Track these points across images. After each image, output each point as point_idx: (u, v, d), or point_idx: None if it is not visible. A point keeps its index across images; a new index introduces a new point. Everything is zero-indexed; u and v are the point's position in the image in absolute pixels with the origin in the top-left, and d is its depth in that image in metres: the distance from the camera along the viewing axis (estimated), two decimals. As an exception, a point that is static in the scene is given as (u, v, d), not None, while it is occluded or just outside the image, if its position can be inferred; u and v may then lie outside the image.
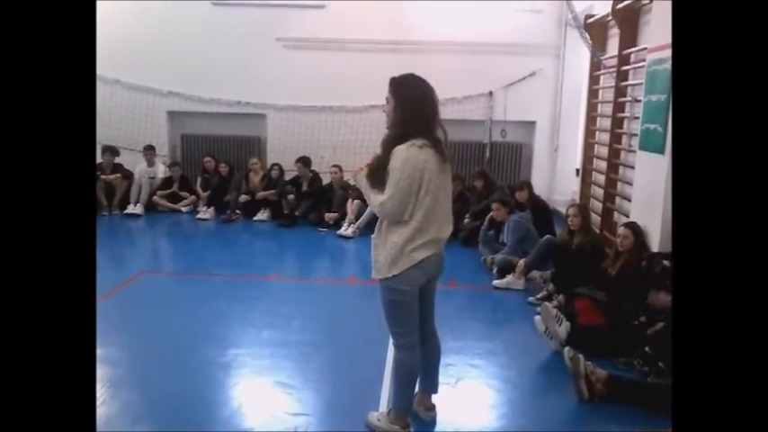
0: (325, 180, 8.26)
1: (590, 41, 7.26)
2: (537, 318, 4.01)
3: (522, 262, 5.19)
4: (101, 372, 3.52)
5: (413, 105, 2.59)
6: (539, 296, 4.80)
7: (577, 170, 8.47)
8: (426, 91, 2.64)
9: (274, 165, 8.39)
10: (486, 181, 7.37)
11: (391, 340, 2.85)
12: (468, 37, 8.45)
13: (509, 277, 5.25)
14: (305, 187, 8.16)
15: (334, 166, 8.11)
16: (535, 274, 5.25)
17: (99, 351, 3.73)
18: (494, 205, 6.11)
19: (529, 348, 4.01)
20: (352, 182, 8.08)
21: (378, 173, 2.61)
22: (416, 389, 3.05)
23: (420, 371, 2.93)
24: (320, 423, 3.04)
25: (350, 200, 7.55)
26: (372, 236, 2.75)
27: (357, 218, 7.31)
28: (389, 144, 2.59)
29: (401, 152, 2.52)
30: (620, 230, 4.55)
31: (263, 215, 8.08)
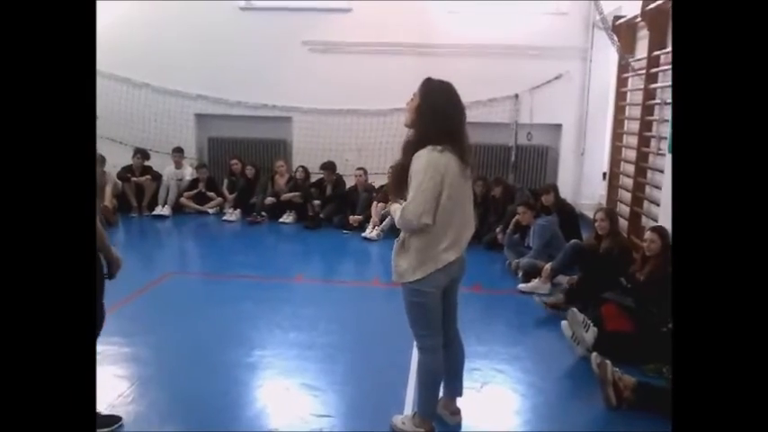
0: (349, 183, 8.30)
1: (618, 43, 7.17)
2: (564, 323, 3.97)
3: (547, 266, 5.15)
4: (130, 370, 3.60)
5: (436, 112, 2.58)
6: (547, 300, 4.77)
7: (604, 174, 8.36)
8: (454, 101, 2.64)
9: (299, 167, 8.45)
10: (505, 187, 7.32)
11: (415, 343, 2.85)
12: (494, 40, 8.42)
13: (535, 281, 5.21)
14: (329, 190, 8.21)
15: (359, 168, 8.15)
16: (561, 278, 5.20)
17: (128, 350, 3.83)
18: (519, 209, 6.07)
19: (555, 354, 3.97)
20: (376, 185, 8.14)
21: (399, 179, 2.62)
22: (441, 392, 3.05)
23: (444, 374, 2.93)
24: (344, 425, 3.05)
25: (375, 203, 7.57)
26: (396, 240, 2.74)
27: (381, 221, 7.32)
28: (410, 149, 2.58)
29: (423, 156, 2.52)
30: (647, 235, 4.48)
31: (288, 217, 8.15)
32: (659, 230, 4.50)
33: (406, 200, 2.57)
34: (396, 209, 2.64)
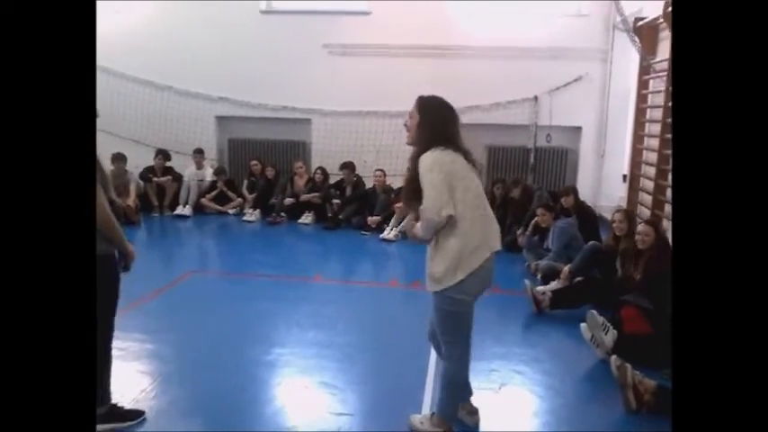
0: (367, 184, 8.34)
1: (639, 45, 7.11)
2: (583, 325, 3.94)
3: (566, 268, 5.12)
4: (152, 366, 3.66)
5: (435, 124, 2.69)
6: (536, 289, 4.89)
7: (624, 176, 8.29)
8: (448, 113, 2.76)
9: (318, 168, 8.51)
10: (524, 188, 7.30)
11: (442, 350, 2.84)
12: (513, 41, 8.40)
13: (554, 284, 5.18)
14: (348, 191, 8.25)
15: (378, 170, 8.18)
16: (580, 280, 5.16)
17: (150, 347, 3.89)
18: (538, 211, 6.05)
19: (574, 356, 3.95)
20: (395, 186, 8.15)
21: (411, 191, 2.67)
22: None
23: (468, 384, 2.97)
24: (362, 424, 3.07)
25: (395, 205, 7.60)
26: (428, 248, 2.75)
27: (399, 222, 7.34)
28: (415, 158, 2.67)
29: (426, 156, 2.60)
30: (641, 228, 4.47)
31: (307, 218, 8.20)
32: (653, 223, 4.49)
33: (417, 207, 2.63)
34: (421, 208, 2.65)
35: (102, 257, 2.67)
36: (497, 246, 2.73)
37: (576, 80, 8.52)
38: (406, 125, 2.80)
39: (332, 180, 8.49)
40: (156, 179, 8.54)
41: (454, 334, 2.75)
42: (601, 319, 3.86)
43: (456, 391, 2.89)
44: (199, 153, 8.83)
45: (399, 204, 7.28)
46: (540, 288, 5.22)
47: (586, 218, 6.13)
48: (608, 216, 6.63)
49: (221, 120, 9.41)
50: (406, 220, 2.90)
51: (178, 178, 8.67)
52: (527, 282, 4.91)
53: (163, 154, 8.66)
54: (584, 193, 7.55)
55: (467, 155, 2.69)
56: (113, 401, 2.99)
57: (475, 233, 2.62)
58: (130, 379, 3.41)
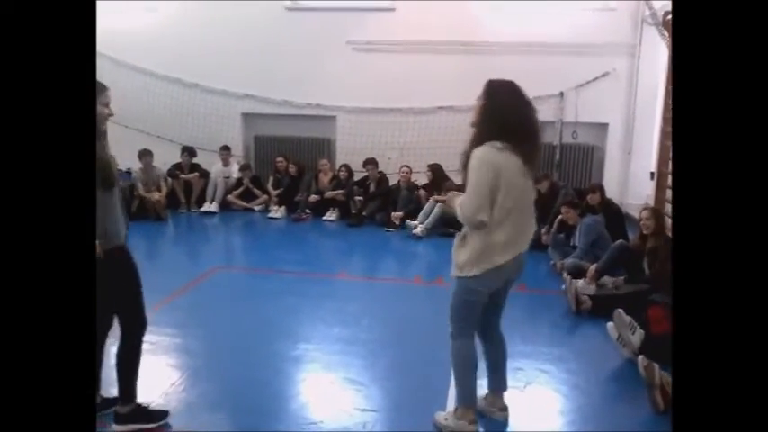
0: (391, 181, 8.35)
1: (669, 39, 6.98)
2: (609, 324, 3.91)
3: (593, 267, 5.07)
4: (181, 360, 3.74)
5: (497, 111, 2.60)
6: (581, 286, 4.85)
7: (652, 174, 8.16)
8: (517, 100, 2.65)
9: (342, 166, 8.55)
10: (552, 184, 7.24)
11: (449, 330, 2.89)
12: (539, 37, 8.32)
13: (580, 282, 5.14)
14: (372, 188, 8.28)
15: (404, 166, 8.20)
16: (606, 279, 5.11)
17: (178, 341, 3.97)
18: (563, 209, 6.00)
19: (600, 355, 3.92)
20: (420, 183, 8.17)
21: (463, 178, 2.66)
22: (486, 389, 3.10)
23: (487, 370, 2.98)
24: (387, 419, 3.09)
25: (428, 196, 7.66)
26: (457, 234, 2.80)
27: (427, 217, 7.40)
28: (471, 146, 2.62)
29: (478, 153, 2.56)
30: (644, 213, 4.45)
31: (331, 215, 8.25)
32: (654, 211, 4.66)
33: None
34: (459, 202, 2.68)
35: (111, 251, 2.65)
36: (525, 248, 2.74)
37: (603, 76, 8.41)
38: (474, 109, 2.74)
39: (356, 177, 8.53)
40: (183, 176, 8.67)
41: (461, 318, 2.82)
42: (628, 318, 3.82)
43: (468, 372, 2.89)
44: (225, 150, 8.94)
45: (441, 197, 7.32)
46: (566, 287, 5.18)
47: (613, 216, 6.06)
48: (635, 214, 6.54)
49: (247, 117, 9.51)
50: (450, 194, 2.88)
51: (205, 175, 8.78)
52: (568, 280, 4.85)
53: (189, 151, 8.77)
54: (611, 191, 7.45)
55: (527, 154, 2.60)
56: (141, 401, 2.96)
57: (502, 237, 2.61)
58: (161, 372, 3.49)
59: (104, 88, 2.70)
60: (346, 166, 8.51)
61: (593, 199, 6.18)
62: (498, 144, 2.55)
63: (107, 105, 2.72)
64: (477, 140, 2.61)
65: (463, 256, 2.69)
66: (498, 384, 3.08)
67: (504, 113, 2.60)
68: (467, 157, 2.62)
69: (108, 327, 2.89)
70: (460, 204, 2.61)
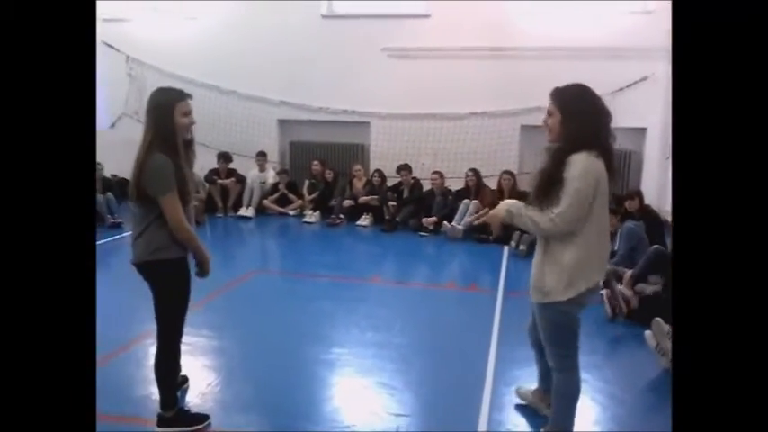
0: (426, 187, 8.36)
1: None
2: (647, 333, 3.83)
3: (628, 273, 4.98)
4: (217, 361, 3.81)
5: (583, 118, 2.45)
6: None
7: (693, 179, 7.97)
8: (594, 100, 2.51)
9: (375, 171, 8.61)
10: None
11: (551, 364, 2.70)
12: (574, 41, 8.23)
13: (617, 288, 5.04)
14: (406, 193, 8.30)
15: (435, 172, 8.20)
16: (643, 286, 5.01)
17: (215, 342, 4.05)
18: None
19: (637, 364, 3.85)
20: (453, 188, 8.15)
21: (548, 188, 2.45)
22: (539, 386, 3.10)
23: (544, 369, 2.92)
24: (420, 424, 3.09)
25: (470, 201, 7.72)
26: (535, 256, 2.62)
27: (463, 216, 7.48)
28: (561, 156, 2.44)
29: (581, 161, 2.39)
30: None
31: (365, 220, 8.31)
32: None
33: (545, 206, 2.44)
34: (528, 213, 2.51)
35: (175, 261, 2.76)
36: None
37: (641, 80, 8.26)
38: (545, 123, 2.56)
39: (390, 183, 8.56)
40: (220, 181, 8.84)
41: (566, 346, 2.61)
42: (666, 326, 3.74)
43: (570, 403, 2.70)
44: (261, 156, 9.10)
45: (476, 202, 7.41)
46: (603, 293, 5.09)
47: (652, 222, 5.94)
48: (674, 221, 6.40)
49: (283, 123, 9.65)
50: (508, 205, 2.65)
51: (241, 180, 8.95)
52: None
53: (224, 157, 8.95)
54: (649, 197, 7.30)
55: (610, 160, 2.47)
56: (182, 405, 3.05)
57: (596, 249, 2.48)
58: (198, 373, 3.56)
59: (181, 96, 2.68)
60: (379, 172, 8.56)
61: (631, 205, 6.07)
62: (594, 152, 2.41)
63: (185, 115, 2.70)
64: (570, 149, 2.42)
65: (553, 277, 2.47)
66: (550, 386, 3.03)
67: (592, 119, 2.46)
68: (557, 166, 2.43)
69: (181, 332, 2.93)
70: (559, 214, 2.39)
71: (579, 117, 2.45)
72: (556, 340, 2.61)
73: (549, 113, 2.54)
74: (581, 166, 2.38)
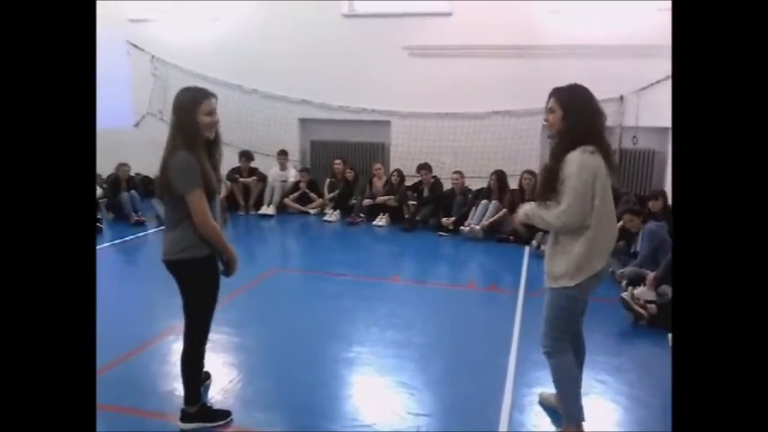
0: (446, 186, 8.34)
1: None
2: (671, 336, 3.78)
3: (651, 275, 4.91)
4: (239, 358, 3.85)
5: (581, 115, 2.64)
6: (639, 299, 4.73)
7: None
8: (592, 101, 2.70)
9: (395, 171, 8.61)
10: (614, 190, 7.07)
11: (543, 348, 2.87)
12: (598, 39, 8.12)
13: (639, 289, 4.98)
14: (426, 193, 8.29)
15: (455, 172, 8.17)
16: (666, 288, 4.94)
17: (237, 339, 4.08)
18: (625, 216, 5.83)
19: (660, 366, 3.79)
20: (473, 188, 8.12)
21: (550, 184, 2.65)
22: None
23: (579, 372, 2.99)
24: (440, 424, 3.09)
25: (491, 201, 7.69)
26: (547, 246, 2.83)
27: (482, 217, 7.48)
28: (559, 153, 2.63)
29: (575, 158, 2.56)
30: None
31: (381, 220, 8.31)
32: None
33: (550, 202, 2.65)
34: (538, 211, 2.70)
35: (203, 260, 2.78)
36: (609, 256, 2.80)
37: (666, 78, 8.12)
38: (546, 121, 2.77)
39: (410, 182, 8.55)
40: (241, 179, 8.92)
41: (563, 330, 2.81)
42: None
43: (571, 387, 2.87)
44: (283, 155, 9.15)
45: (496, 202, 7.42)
46: (625, 294, 5.03)
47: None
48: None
49: (304, 122, 9.69)
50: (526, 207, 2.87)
51: (263, 179, 9.01)
52: (629, 290, 4.79)
53: (246, 155, 9.02)
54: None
55: (609, 156, 2.65)
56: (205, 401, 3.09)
57: (600, 240, 2.65)
58: (220, 370, 3.60)
59: (204, 95, 2.72)
60: (398, 171, 8.55)
61: (655, 206, 5.99)
62: (590, 148, 2.58)
63: (209, 113, 2.74)
64: (568, 146, 2.62)
65: (562, 265, 2.68)
66: None
67: (590, 117, 2.65)
68: (557, 163, 2.61)
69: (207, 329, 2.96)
70: (563, 211, 2.58)
71: (578, 114, 2.64)
72: (555, 323, 2.79)
73: (551, 110, 2.72)
74: (576, 163, 2.55)
